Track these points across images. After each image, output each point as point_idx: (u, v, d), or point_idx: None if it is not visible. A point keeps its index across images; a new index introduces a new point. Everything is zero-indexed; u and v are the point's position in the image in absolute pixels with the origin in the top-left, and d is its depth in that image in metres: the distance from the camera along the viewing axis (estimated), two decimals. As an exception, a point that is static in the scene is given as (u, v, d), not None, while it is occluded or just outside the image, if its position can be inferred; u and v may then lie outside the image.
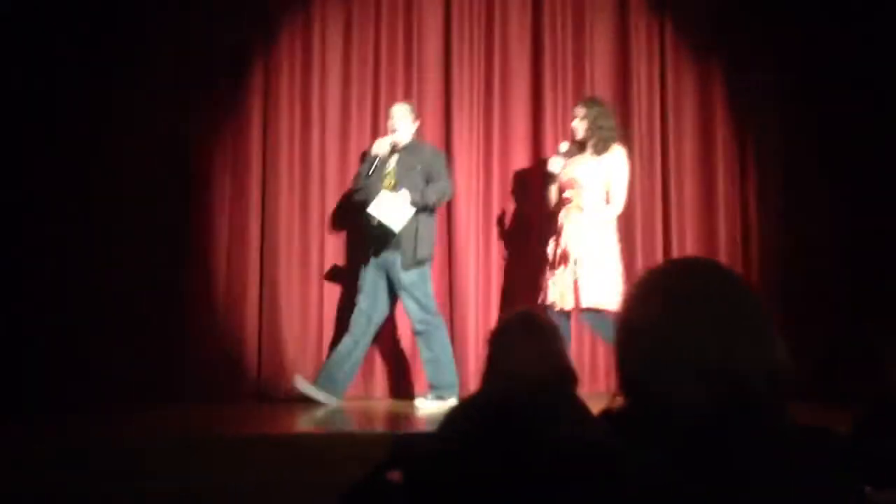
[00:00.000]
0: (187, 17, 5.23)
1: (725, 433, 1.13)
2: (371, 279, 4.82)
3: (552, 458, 1.18)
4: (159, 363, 4.96)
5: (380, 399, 5.27)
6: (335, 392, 4.76)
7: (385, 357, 5.35)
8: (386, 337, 5.23)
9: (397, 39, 5.50)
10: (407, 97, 5.31)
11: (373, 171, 4.81)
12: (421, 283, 4.78)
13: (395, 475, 1.36)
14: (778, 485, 1.11)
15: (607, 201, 4.65)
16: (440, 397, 4.69)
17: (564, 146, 4.76)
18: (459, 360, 5.01)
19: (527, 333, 1.87)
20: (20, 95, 4.90)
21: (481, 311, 5.40)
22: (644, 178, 5.45)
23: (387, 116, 5.00)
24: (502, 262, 5.51)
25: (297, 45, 5.43)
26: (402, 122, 4.92)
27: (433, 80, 5.51)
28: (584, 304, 4.52)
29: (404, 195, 4.72)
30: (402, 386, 5.30)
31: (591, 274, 4.52)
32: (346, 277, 5.27)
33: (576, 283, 4.52)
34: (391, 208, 4.70)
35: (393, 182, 4.81)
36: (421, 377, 5.05)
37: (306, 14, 5.44)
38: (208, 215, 5.26)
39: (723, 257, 5.28)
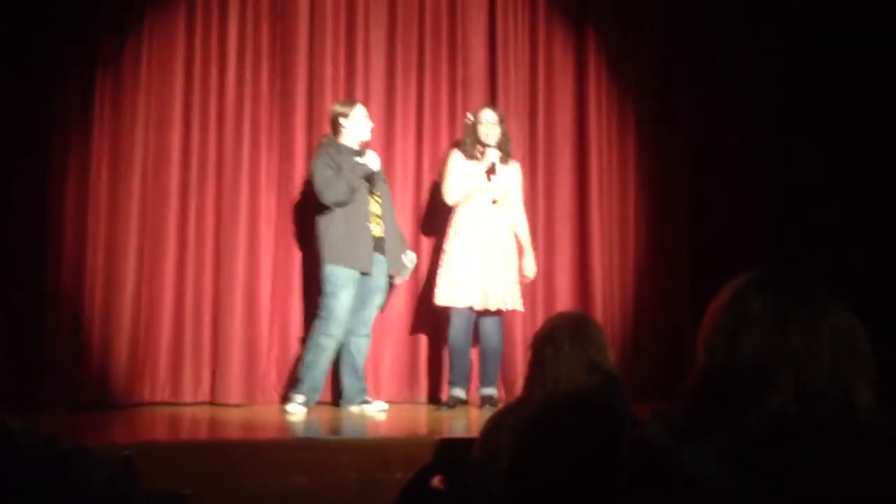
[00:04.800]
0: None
1: (792, 437, 1.13)
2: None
3: (615, 461, 1.16)
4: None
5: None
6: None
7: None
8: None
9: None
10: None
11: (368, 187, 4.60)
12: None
13: (437, 481, 1.33)
14: (842, 485, 1.11)
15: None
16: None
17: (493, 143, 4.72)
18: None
19: (576, 338, 1.79)
20: None
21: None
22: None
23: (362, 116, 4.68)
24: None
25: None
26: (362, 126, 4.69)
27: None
28: (514, 305, 4.66)
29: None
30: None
31: (515, 275, 4.70)
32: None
33: (508, 284, 4.63)
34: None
35: (379, 211, 4.65)
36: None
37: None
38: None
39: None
